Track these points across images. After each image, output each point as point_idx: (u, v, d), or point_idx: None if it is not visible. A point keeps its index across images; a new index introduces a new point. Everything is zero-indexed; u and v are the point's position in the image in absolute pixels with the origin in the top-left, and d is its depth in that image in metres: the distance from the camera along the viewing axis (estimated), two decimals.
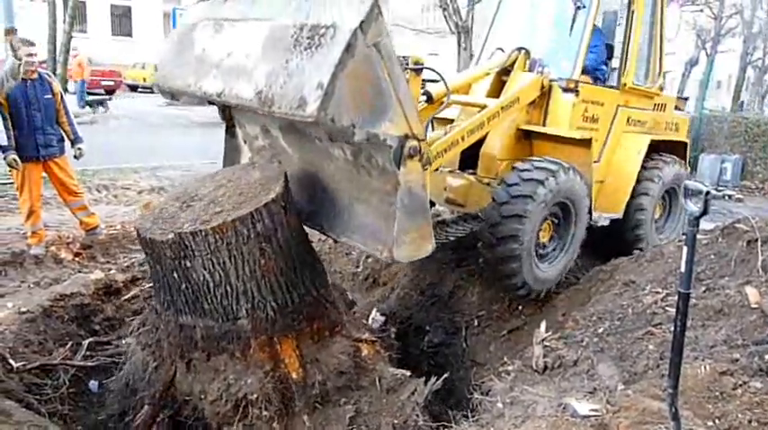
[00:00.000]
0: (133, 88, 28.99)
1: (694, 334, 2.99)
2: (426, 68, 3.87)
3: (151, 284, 4.80)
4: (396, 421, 3.22)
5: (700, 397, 2.43)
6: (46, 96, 5.41)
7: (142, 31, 32.70)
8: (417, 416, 3.23)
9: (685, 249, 2.00)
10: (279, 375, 3.11)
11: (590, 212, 4.73)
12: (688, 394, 2.42)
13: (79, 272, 5.04)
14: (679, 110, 6.49)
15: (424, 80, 4.25)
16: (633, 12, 5.29)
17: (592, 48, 5.14)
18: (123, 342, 4.17)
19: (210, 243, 2.85)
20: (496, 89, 5.02)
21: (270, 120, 3.59)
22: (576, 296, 4.51)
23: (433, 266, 5.27)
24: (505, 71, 5.08)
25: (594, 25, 5.15)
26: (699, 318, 3.14)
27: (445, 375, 3.55)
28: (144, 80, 29.17)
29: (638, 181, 5.41)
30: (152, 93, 28.40)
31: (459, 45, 16.93)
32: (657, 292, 3.62)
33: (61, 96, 5.59)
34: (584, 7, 4.96)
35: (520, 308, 4.72)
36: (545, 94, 4.92)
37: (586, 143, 4.69)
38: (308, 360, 3.22)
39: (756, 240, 3.61)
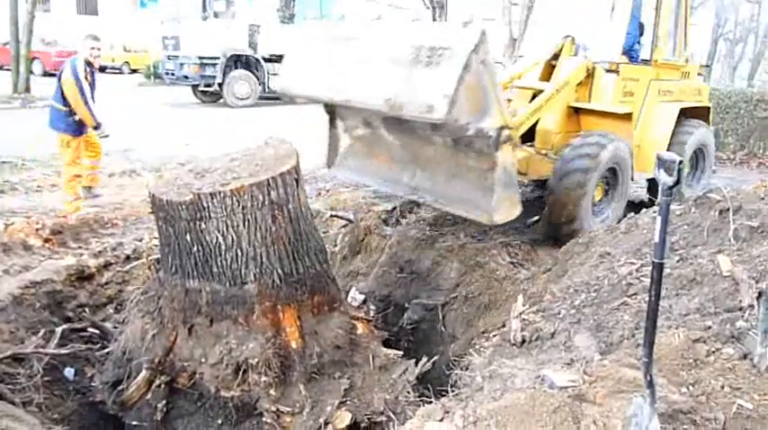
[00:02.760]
0: (101, 69, 28.20)
1: (668, 303, 3.03)
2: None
3: (125, 270, 4.75)
4: (387, 397, 3.35)
5: (674, 364, 2.47)
6: None
7: (108, 9, 31.76)
8: (408, 393, 3.40)
9: (659, 220, 2.00)
10: (279, 342, 3.22)
11: (632, 173, 5.64)
12: (662, 362, 2.46)
13: (50, 258, 4.91)
14: (701, 76, 7.26)
15: None
16: None
17: (628, 30, 6.01)
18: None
19: (227, 205, 2.99)
20: (547, 73, 6.12)
21: (373, 115, 4.36)
22: (553, 269, 4.55)
23: (411, 243, 5.26)
24: (555, 56, 6.11)
25: None
26: (673, 288, 3.19)
27: (435, 357, 3.72)
28: (113, 60, 28.41)
29: (672, 143, 6.33)
30: (121, 73, 27.71)
31: (433, 20, 16.80)
32: (632, 263, 3.66)
33: None
34: None
35: (497, 282, 4.75)
36: (590, 75, 5.76)
37: (627, 116, 5.56)
38: (308, 331, 3.35)
39: (728, 210, 3.65)
